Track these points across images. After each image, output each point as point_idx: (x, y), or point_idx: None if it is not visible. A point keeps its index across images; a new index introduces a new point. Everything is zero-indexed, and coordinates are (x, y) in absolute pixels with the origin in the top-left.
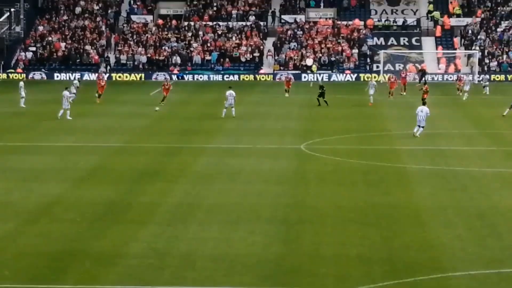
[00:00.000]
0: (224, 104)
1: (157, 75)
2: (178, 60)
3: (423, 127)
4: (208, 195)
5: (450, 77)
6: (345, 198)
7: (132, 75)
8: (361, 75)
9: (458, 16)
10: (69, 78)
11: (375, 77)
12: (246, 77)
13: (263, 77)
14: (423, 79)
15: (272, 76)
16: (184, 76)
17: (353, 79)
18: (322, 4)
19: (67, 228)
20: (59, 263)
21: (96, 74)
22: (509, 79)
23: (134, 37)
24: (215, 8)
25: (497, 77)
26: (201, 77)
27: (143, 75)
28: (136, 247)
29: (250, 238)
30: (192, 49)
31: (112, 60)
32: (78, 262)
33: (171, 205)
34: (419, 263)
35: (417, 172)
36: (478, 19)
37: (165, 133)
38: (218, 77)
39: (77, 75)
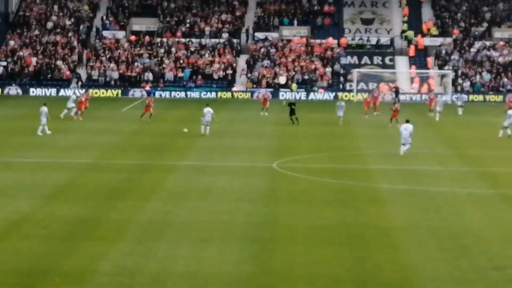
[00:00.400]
0: (202, 121)
1: (134, 91)
2: (151, 76)
3: (410, 144)
4: (179, 213)
5: (423, 97)
6: (317, 217)
7: (109, 91)
8: (339, 93)
9: (434, 36)
10: (45, 93)
11: (344, 97)
12: (224, 95)
13: (240, 95)
14: (397, 98)
15: (249, 93)
16: (156, 92)
17: (331, 98)
18: (295, 22)
19: (37, 245)
20: (28, 280)
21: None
22: (487, 100)
23: (106, 53)
24: (188, 25)
25: (476, 98)
26: (178, 94)
27: (119, 91)
28: (106, 265)
29: (221, 256)
30: (164, 65)
31: (84, 76)
32: (47, 280)
33: (142, 222)
34: (391, 283)
35: (390, 192)
36: (450, 40)
37: (136, 150)
38: (193, 94)
39: (53, 90)
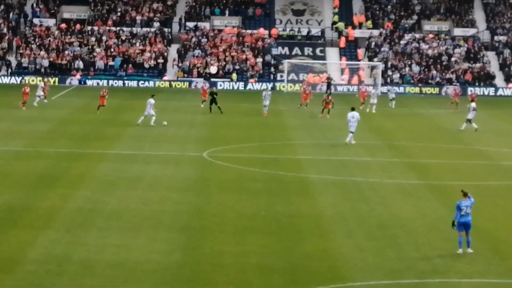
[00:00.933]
0: (145, 112)
1: (71, 79)
2: (81, 64)
3: (352, 132)
4: (108, 201)
5: (353, 89)
6: (247, 206)
7: (45, 79)
8: (277, 84)
9: (369, 29)
10: None
11: (282, 87)
12: (162, 84)
13: (178, 84)
14: (328, 89)
15: (187, 83)
16: (87, 81)
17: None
18: (227, 12)
19: None
20: None
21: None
22: (420, 92)
23: (37, 40)
24: (119, 14)
25: (412, 89)
26: (110, 83)
27: (57, 79)
28: (35, 253)
29: (151, 245)
30: (95, 54)
31: (14, 63)
32: None
33: (71, 210)
34: (319, 272)
35: (319, 182)
36: (381, 32)
37: (66, 138)
38: (127, 83)
39: None
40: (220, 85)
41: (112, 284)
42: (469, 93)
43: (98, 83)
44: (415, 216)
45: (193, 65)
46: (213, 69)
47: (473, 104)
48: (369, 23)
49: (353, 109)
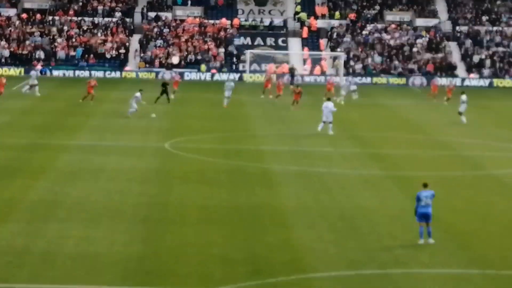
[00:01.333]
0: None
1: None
2: (42, 55)
3: (330, 122)
4: (70, 193)
5: (318, 79)
6: (209, 198)
7: (12, 69)
8: (245, 75)
9: (337, 19)
10: None
11: (250, 78)
12: (129, 74)
13: (145, 75)
14: (293, 80)
15: (154, 74)
16: (48, 71)
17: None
18: (189, 2)
19: None
20: None
21: None
22: (388, 82)
23: None
24: (80, 3)
25: (379, 80)
26: (71, 73)
27: (22, 69)
28: None
29: (112, 236)
30: (56, 44)
31: None
32: None
33: (32, 202)
34: (282, 263)
35: (281, 173)
36: (343, 22)
37: (27, 128)
38: (86, 73)
39: None
40: (187, 76)
41: (73, 276)
42: (447, 84)
43: (60, 74)
44: (377, 207)
45: (155, 56)
46: (175, 60)
47: (464, 97)
48: (337, 14)
49: (328, 100)
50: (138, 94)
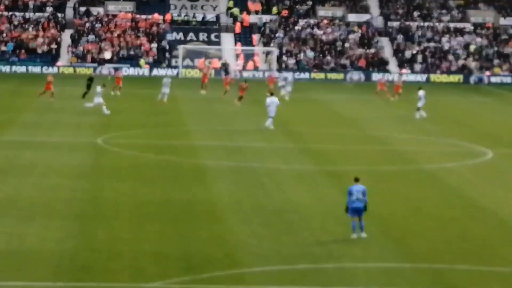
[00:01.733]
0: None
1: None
2: None
3: (272, 117)
4: (0, 189)
5: (253, 75)
6: (142, 193)
7: None
8: (183, 70)
9: (275, 14)
10: None
11: (188, 73)
12: (66, 70)
13: (82, 70)
14: (227, 75)
15: (92, 69)
16: None
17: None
18: None
19: None
20: None
21: None
22: (326, 78)
23: None
24: None
25: (316, 75)
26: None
27: None
28: None
29: (44, 233)
30: None
31: None
32: None
33: None
34: (215, 259)
35: (215, 168)
36: (275, 17)
37: None
38: (29, 69)
39: None
40: (126, 71)
41: (5, 273)
42: (396, 79)
43: None
44: (310, 201)
45: (87, 51)
46: (107, 55)
47: (421, 92)
48: (275, 9)
49: (272, 94)
50: (98, 87)
